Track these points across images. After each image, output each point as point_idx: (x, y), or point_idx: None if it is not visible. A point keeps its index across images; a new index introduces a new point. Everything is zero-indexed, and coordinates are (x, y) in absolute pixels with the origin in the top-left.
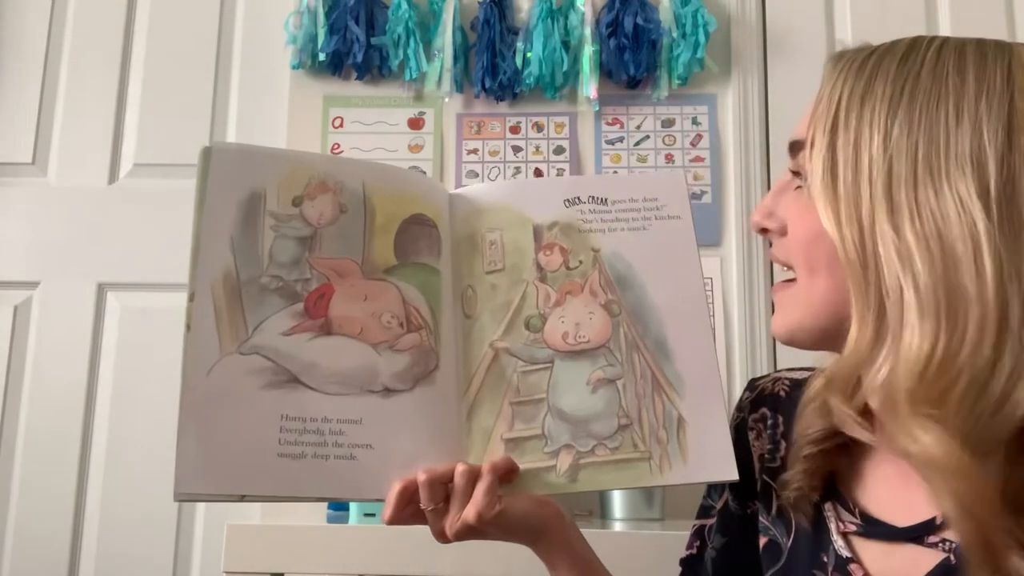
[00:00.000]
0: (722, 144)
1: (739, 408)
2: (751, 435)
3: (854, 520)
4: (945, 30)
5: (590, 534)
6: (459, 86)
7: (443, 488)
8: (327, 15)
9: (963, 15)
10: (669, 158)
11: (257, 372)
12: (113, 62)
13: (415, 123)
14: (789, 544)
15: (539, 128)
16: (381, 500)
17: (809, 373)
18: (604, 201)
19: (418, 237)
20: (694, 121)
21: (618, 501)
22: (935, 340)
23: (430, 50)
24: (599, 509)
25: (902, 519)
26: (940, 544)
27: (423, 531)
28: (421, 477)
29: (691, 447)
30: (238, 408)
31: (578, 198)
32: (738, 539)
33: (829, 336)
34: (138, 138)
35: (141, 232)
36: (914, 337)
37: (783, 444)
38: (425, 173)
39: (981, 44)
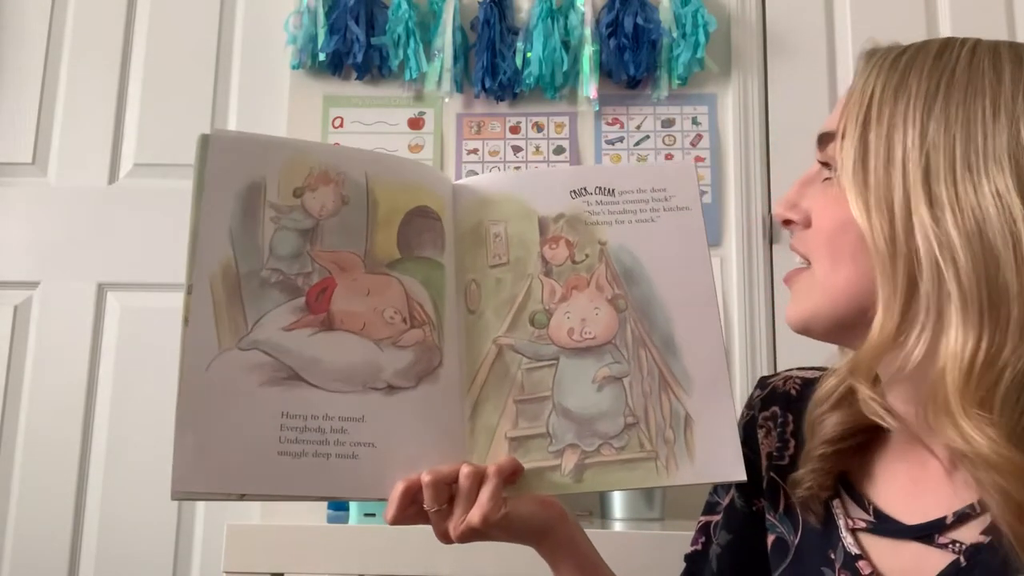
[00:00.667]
0: (722, 144)
1: (749, 405)
2: (760, 433)
3: (864, 516)
4: (945, 30)
5: (590, 534)
6: (459, 86)
7: (447, 489)
8: (327, 15)
9: (963, 15)
10: (669, 158)
11: (257, 368)
12: (113, 62)
13: (415, 123)
14: (796, 541)
15: (539, 128)
16: (384, 500)
17: (820, 373)
18: (611, 192)
19: (422, 230)
20: (694, 121)
21: (618, 501)
22: (979, 338)
23: (430, 50)
24: (599, 509)
25: (911, 518)
26: (950, 545)
27: (423, 531)
28: (425, 478)
29: (698, 447)
30: (237, 405)
31: (585, 189)
32: (744, 536)
33: (845, 326)
34: (138, 138)
35: (141, 232)
36: (959, 335)
37: (792, 442)
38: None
39: (1015, 46)
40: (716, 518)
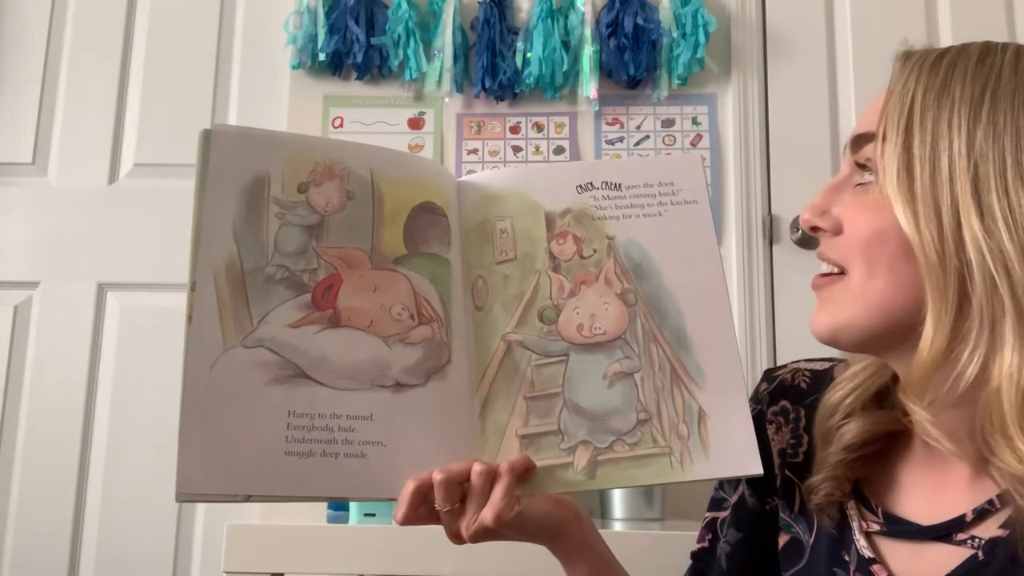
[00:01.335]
0: (722, 144)
1: (756, 400)
2: (770, 429)
3: (877, 520)
4: (945, 30)
5: None
6: (459, 86)
7: (459, 488)
8: (327, 15)
9: (963, 15)
10: None
11: (263, 366)
12: (113, 62)
13: (415, 123)
14: (811, 542)
15: (539, 128)
16: (393, 500)
17: (829, 364)
18: (618, 187)
19: (428, 226)
20: (694, 121)
21: (618, 501)
22: None
23: (430, 50)
24: (599, 509)
25: (929, 520)
26: (969, 541)
27: (423, 531)
28: (437, 477)
29: (713, 441)
30: (243, 404)
31: (591, 183)
32: (755, 535)
33: (879, 339)
34: (138, 138)
35: (141, 232)
36: (1015, 354)
37: (806, 438)
38: None
39: None
40: (723, 514)
